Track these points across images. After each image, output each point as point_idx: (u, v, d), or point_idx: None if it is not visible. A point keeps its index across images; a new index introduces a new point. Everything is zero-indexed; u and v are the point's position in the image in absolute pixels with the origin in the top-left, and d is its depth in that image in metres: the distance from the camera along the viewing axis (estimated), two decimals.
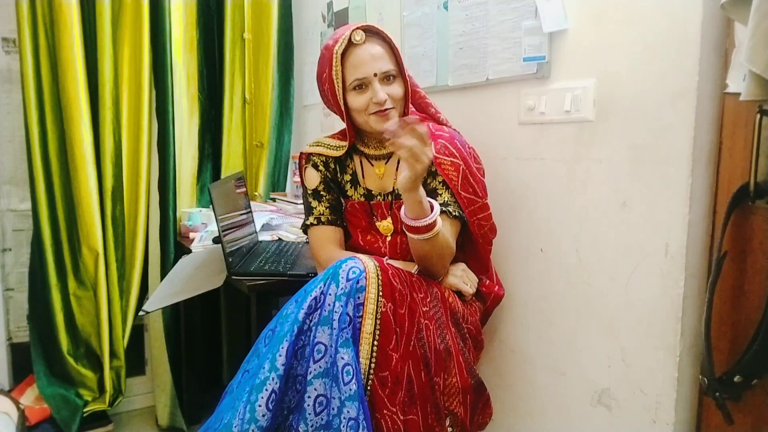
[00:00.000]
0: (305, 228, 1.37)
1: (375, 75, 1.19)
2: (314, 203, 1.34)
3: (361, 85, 1.20)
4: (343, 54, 1.19)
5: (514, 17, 1.31)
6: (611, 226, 1.14)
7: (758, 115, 0.90)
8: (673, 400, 1.04)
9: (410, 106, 1.28)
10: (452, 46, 1.50)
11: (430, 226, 1.11)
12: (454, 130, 1.30)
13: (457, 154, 1.22)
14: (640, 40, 1.06)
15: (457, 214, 1.22)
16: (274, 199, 2.28)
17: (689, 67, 0.98)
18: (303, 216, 1.40)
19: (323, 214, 1.33)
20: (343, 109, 1.24)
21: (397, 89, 1.22)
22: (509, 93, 1.36)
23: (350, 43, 1.19)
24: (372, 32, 1.21)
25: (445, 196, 1.23)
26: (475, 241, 1.27)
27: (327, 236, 1.31)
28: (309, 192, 1.35)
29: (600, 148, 1.15)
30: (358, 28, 1.19)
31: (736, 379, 0.94)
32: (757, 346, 0.91)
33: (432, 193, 1.24)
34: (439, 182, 1.24)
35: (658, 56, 1.03)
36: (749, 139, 0.93)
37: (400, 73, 1.23)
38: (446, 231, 1.18)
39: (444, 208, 1.20)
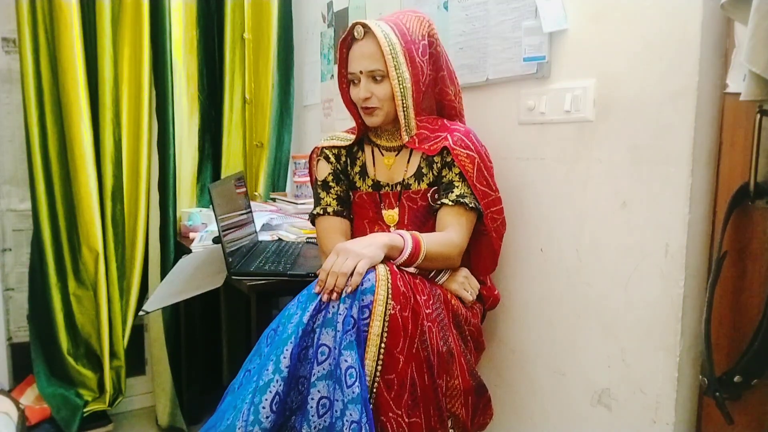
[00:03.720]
0: (312, 218, 1.39)
1: (361, 72, 1.23)
2: (322, 194, 1.35)
3: (354, 80, 1.26)
4: (347, 47, 1.27)
5: (514, 17, 1.31)
6: (611, 226, 1.14)
7: (758, 115, 0.90)
8: (673, 400, 1.04)
9: (409, 105, 1.24)
10: (452, 46, 1.49)
11: (413, 256, 1.14)
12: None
13: (473, 147, 1.25)
14: (640, 40, 1.06)
15: (473, 205, 1.23)
16: (274, 199, 2.28)
17: (689, 67, 0.98)
18: (303, 216, 1.41)
19: (330, 205, 1.34)
20: (348, 100, 1.29)
21: (381, 89, 1.23)
22: (509, 93, 1.36)
23: (352, 37, 1.25)
24: (370, 30, 1.22)
25: (462, 188, 1.24)
26: (488, 234, 1.28)
27: (333, 227, 1.33)
28: (318, 183, 1.37)
29: (600, 148, 1.15)
30: (359, 23, 1.22)
31: (736, 379, 0.94)
32: (757, 346, 0.91)
33: (448, 186, 1.25)
34: (456, 174, 1.25)
35: (658, 56, 1.03)
36: (749, 139, 0.92)
37: (390, 73, 1.21)
38: (458, 225, 1.22)
39: (461, 200, 1.22)
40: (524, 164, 1.33)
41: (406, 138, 1.26)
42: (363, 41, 1.22)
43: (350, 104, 1.31)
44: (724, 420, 0.93)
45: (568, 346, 1.25)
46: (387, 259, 1.11)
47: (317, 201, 1.37)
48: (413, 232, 1.17)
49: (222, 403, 1.05)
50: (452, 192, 1.24)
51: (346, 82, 1.29)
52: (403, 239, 1.14)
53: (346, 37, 1.25)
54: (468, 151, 1.23)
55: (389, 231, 1.31)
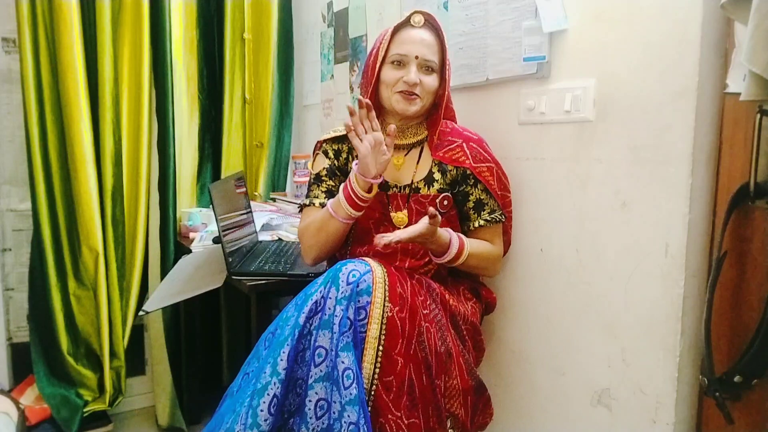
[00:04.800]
0: (300, 208, 1.39)
1: (416, 57, 1.22)
2: (313, 187, 1.36)
3: (400, 62, 1.24)
4: (397, 30, 1.25)
5: (514, 17, 1.31)
6: (611, 226, 1.14)
7: (758, 115, 0.90)
8: (673, 400, 1.04)
9: (441, 109, 1.28)
10: (452, 46, 1.49)
11: (455, 258, 1.21)
12: None
13: (489, 157, 1.29)
14: (640, 40, 1.06)
15: (504, 219, 1.29)
16: (274, 199, 2.28)
17: (689, 67, 0.98)
18: (299, 213, 1.40)
19: (317, 197, 1.33)
20: (372, 81, 1.26)
21: (431, 81, 1.24)
22: (509, 93, 1.36)
23: (408, 23, 1.24)
24: (431, 23, 1.25)
25: (491, 204, 1.29)
26: (505, 230, 1.34)
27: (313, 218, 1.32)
28: (312, 176, 1.37)
29: (600, 148, 1.15)
30: (420, 12, 1.23)
31: (736, 379, 0.93)
32: (757, 346, 0.91)
33: (478, 204, 1.29)
34: (481, 190, 1.29)
35: (658, 56, 1.03)
36: (749, 139, 0.92)
37: (440, 70, 1.25)
38: (496, 238, 1.31)
39: (494, 216, 1.29)
40: (524, 164, 1.33)
41: (434, 139, 1.28)
42: (422, 29, 1.23)
43: (374, 91, 1.27)
44: (724, 420, 0.93)
45: (568, 346, 1.25)
46: (403, 277, 1.12)
47: (307, 193, 1.37)
48: (460, 236, 1.23)
49: (221, 406, 1.05)
50: (483, 211, 1.29)
51: (381, 62, 1.24)
52: (450, 243, 1.19)
53: (400, 23, 1.24)
54: (487, 164, 1.27)
55: None
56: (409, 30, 1.24)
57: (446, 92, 1.27)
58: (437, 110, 1.29)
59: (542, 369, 1.32)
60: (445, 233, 1.20)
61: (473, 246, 1.24)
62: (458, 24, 1.47)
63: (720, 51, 0.98)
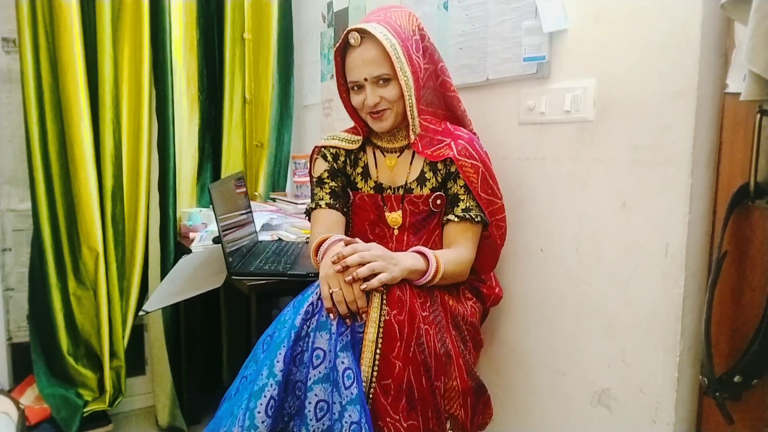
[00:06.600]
0: (307, 214, 1.39)
1: (365, 79, 1.21)
2: (317, 189, 1.36)
3: (358, 86, 1.23)
4: (345, 55, 1.23)
5: (514, 17, 1.31)
6: (611, 226, 1.14)
7: (758, 115, 0.90)
8: (673, 400, 1.04)
9: (414, 104, 1.22)
10: (452, 46, 1.49)
11: (432, 279, 1.14)
12: (474, 133, 1.32)
13: (476, 156, 1.24)
14: (640, 40, 1.06)
15: (479, 219, 1.24)
16: (274, 199, 2.28)
17: (689, 67, 0.98)
18: (303, 216, 1.40)
19: (323, 199, 1.34)
20: (350, 108, 1.28)
21: (390, 92, 1.21)
22: (509, 93, 1.36)
23: (348, 45, 1.21)
24: (368, 34, 1.19)
25: (467, 201, 1.25)
26: (492, 239, 1.28)
27: (321, 219, 1.32)
28: (314, 179, 1.37)
29: (600, 148, 1.15)
30: (353, 29, 1.19)
31: (736, 379, 0.94)
32: (757, 346, 0.91)
33: (454, 199, 1.26)
34: (461, 186, 1.25)
35: (658, 56, 1.03)
36: (749, 139, 0.92)
37: (396, 75, 1.19)
38: (466, 240, 1.23)
39: (467, 214, 1.23)
40: (524, 164, 1.33)
41: (413, 137, 1.25)
42: (362, 47, 1.19)
43: (353, 111, 1.30)
44: (724, 420, 0.93)
45: (568, 346, 1.25)
46: (402, 282, 1.10)
47: (312, 197, 1.38)
48: (436, 254, 1.16)
49: (219, 409, 1.06)
50: (457, 206, 1.25)
51: (345, 90, 1.28)
52: (428, 265, 1.14)
53: (340, 45, 1.22)
54: (472, 161, 1.23)
55: (392, 234, 1.31)
56: (351, 53, 1.21)
57: (409, 92, 1.20)
58: (404, 111, 1.24)
59: (542, 369, 1.32)
60: (421, 264, 1.13)
61: (447, 261, 1.17)
62: (458, 24, 1.47)
63: (720, 51, 0.98)
